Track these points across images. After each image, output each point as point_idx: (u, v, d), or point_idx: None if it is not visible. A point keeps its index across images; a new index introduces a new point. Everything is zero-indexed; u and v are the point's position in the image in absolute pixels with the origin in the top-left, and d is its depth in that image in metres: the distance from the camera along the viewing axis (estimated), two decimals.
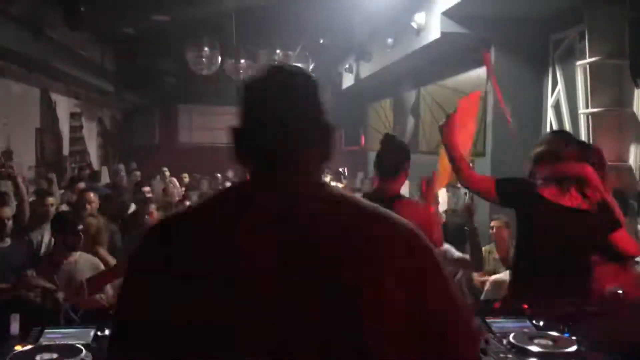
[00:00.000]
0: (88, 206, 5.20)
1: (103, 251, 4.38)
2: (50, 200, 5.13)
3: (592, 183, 2.97)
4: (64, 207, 5.69)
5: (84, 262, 3.75)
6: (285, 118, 1.15)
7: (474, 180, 3.26)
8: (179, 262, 1.05)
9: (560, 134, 3.42)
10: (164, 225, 1.16)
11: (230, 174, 11.91)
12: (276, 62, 1.25)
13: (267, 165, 1.16)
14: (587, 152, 3.24)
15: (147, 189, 6.45)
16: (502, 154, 5.84)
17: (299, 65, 1.05)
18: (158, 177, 10.75)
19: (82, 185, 7.59)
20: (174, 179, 10.24)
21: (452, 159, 3.24)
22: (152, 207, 5.76)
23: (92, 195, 5.47)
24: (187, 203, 6.01)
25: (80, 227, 3.81)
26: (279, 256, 1.03)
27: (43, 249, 4.49)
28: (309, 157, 1.17)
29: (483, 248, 5.00)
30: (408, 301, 1.03)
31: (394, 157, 3.11)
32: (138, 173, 10.48)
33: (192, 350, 1.01)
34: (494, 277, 4.60)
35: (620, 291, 2.41)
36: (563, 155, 3.01)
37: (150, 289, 1.06)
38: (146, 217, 5.52)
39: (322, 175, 1.24)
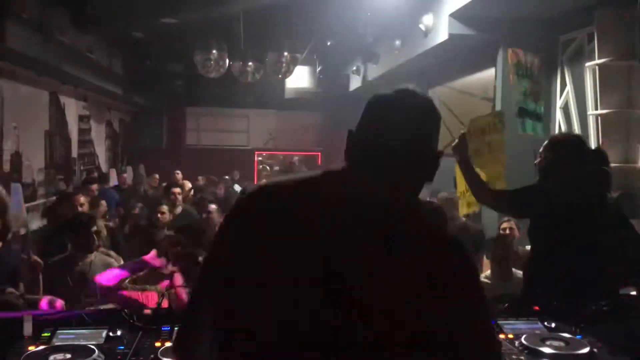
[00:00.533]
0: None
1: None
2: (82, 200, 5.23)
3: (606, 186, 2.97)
4: None
5: (99, 263, 3.78)
6: (399, 138, 1.27)
7: (491, 196, 3.29)
8: (264, 222, 1.23)
9: (576, 137, 3.40)
10: (264, 190, 1.33)
11: (237, 175, 11.93)
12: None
13: (365, 167, 1.27)
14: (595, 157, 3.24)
15: (177, 190, 6.55)
16: (512, 156, 5.81)
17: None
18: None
19: (95, 187, 7.64)
20: (187, 182, 10.27)
21: (468, 173, 3.29)
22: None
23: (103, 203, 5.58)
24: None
25: (95, 228, 3.84)
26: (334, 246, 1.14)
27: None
28: (407, 173, 1.29)
29: None
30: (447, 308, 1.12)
31: None
32: (157, 176, 10.50)
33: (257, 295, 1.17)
34: None
35: (634, 292, 2.40)
36: (575, 161, 3.02)
37: (239, 236, 1.25)
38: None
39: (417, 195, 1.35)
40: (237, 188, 10.03)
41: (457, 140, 3.40)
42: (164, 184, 7.98)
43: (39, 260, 3.38)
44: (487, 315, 1.23)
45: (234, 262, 1.22)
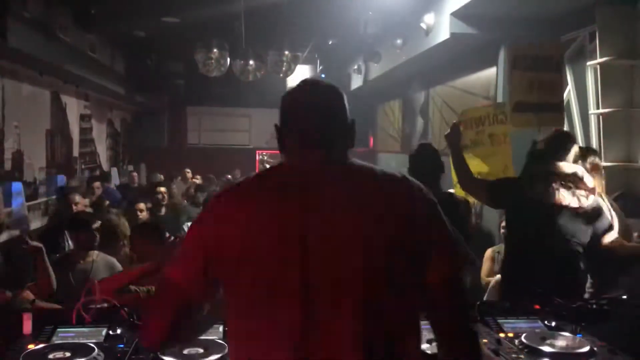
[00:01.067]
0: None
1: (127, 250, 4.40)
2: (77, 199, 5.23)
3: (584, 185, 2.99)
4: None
5: (101, 262, 3.78)
6: (314, 114, 1.52)
7: (473, 185, 3.38)
8: (228, 217, 1.42)
9: (560, 134, 3.44)
10: (228, 192, 1.55)
11: (238, 174, 11.92)
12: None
13: (299, 146, 1.52)
14: (585, 154, 3.27)
15: (163, 189, 6.55)
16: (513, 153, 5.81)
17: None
18: (179, 178, 10.83)
19: (97, 184, 7.66)
20: (195, 180, 10.29)
21: (457, 160, 3.41)
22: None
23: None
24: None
25: (96, 225, 3.84)
26: (304, 219, 1.36)
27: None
28: (333, 141, 1.50)
29: (492, 248, 5.00)
30: (415, 237, 1.40)
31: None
32: (161, 176, 10.51)
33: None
34: (498, 276, 4.55)
35: (624, 296, 2.41)
36: (559, 156, 3.05)
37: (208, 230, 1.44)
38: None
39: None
40: None
41: (449, 130, 3.49)
42: (149, 183, 8.00)
43: (38, 244, 3.38)
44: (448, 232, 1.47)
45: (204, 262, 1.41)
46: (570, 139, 3.35)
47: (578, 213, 2.97)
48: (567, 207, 2.96)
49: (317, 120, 1.50)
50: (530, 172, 3.16)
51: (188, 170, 10.90)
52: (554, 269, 2.85)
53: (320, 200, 1.37)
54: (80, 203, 5.46)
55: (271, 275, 1.33)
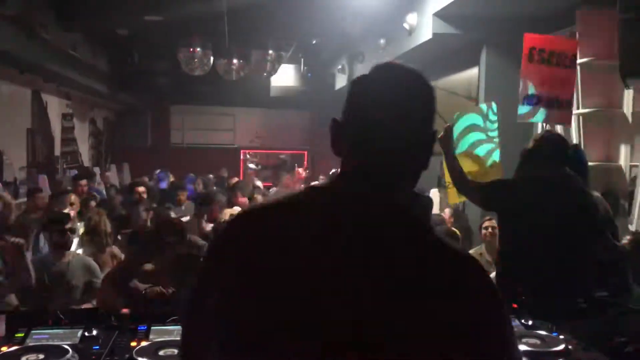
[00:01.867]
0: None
1: (112, 249, 4.36)
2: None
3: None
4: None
5: (77, 264, 3.74)
6: (391, 119, 1.08)
7: (468, 187, 3.38)
8: (250, 252, 1.05)
9: (550, 135, 3.45)
10: (247, 215, 1.18)
11: (224, 173, 11.86)
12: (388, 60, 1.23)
13: (360, 170, 1.09)
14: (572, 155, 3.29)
15: (141, 189, 6.49)
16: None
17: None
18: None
19: (84, 182, 7.59)
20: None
21: (450, 163, 3.44)
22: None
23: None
24: None
25: (69, 225, 3.80)
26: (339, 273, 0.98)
27: None
28: (406, 169, 1.11)
29: (474, 249, 5.02)
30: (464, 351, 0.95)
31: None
32: (171, 176, 10.48)
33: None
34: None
35: (605, 294, 2.44)
36: (554, 161, 3.06)
37: (223, 271, 1.07)
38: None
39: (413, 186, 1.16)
40: (259, 183, 9.94)
41: (442, 133, 3.49)
42: (129, 183, 7.96)
43: (20, 240, 3.35)
44: (517, 348, 1.07)
45: (220, 300, 1.05)
46: (565, 143, 3.36)
47: (568, 216, 2.97)
48: (558, 211, 2.96)
49: (385, 135, 1.07)
50: (522, 175, 3.16)
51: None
52: (549, 272, 2.83)
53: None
54: (75, 203, 5.39)
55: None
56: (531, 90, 4.45)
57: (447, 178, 4.20)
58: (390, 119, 1.07)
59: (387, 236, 1.01)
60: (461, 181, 3.41)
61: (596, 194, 3.63)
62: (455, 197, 4.34)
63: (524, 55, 4.57)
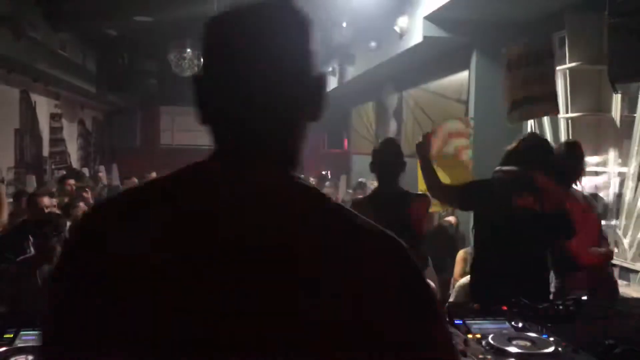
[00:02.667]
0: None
1: None
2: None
3: (545, 193, 3.06)
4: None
5: None
6: (259, 65, 0.87)
7: (442, 192, 3.43)
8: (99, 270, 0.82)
9: (530, 137, 3.49)
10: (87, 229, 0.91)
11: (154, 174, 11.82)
12: None
13: (230, 135, 0.90)
14: (555, 158, 3.32)
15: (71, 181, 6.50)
16: (484, 157, 5.87)
17: None
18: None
19: (72, 181, 7.54)
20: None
21: (426, 169, 3.45)
22: None
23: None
24: None
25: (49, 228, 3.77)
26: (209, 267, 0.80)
27: None
28: (290, 126, 0.92)
29: (464, 250, 5.05)
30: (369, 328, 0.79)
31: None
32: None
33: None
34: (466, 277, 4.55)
35: (584, 297, 2.46)
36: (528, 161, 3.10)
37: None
38: None
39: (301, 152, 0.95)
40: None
41: (420, 139, 3.54)
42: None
43: None
44: (442, 324, 0.88)
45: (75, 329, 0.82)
46: (544, 143, 3.39)
47: (544, 215, 3.02)
48: (533, 209, 3.01)
49: (258, 89, 0.87)
50: (499, 174, 3.20)
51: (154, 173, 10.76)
52: (519, 270, 2.89)
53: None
54: (49, 206, 5.30)
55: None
56: (514, 96, 4.53)
57: (420, 185, 4.23)
58: (257, 65, 0.86)
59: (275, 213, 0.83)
60: (437, 186, 3.44)
61: (584, 193, 3.68)
62: (439, 205, 4.38)
63: (504, 68, 4.65)
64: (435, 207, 4.41)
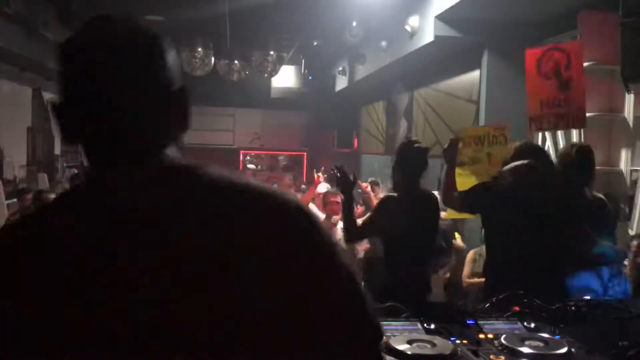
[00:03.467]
0: None
1: None
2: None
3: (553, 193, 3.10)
4: None
5: None
6: (110, 84, 0.89)
7: (452, 196, 3.46)
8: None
9: (525, 146, 3.48)
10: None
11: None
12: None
13: (97, 153, 0.92)
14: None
15: None
16: None
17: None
18: None
19: None
20: None
21: (449, 175, 3.53)
22: None
23: None
24: None
25: None
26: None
27: None
28: (153, 133, 0.92)
29: (474, 250, 5.03)
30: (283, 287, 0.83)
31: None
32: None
33: None
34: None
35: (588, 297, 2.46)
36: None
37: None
38: None
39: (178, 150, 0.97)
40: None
41: (448, 144, 3.57)
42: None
43: None
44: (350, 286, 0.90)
45: None
46: (543, 156, 3.41)
47: (555, 215, 3.02)
48: (544, 209, 3.00)
49: (107, 103, 0.89)
50: (505, 174, 3.22)
51: None
52: (532, 271, 2.89)
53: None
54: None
55: None
56: (539, 108, 4.45)
57: None
58: (109, 85, 0.89)
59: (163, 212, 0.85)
60: (452, 194, 3.48)
61: (599, 195, 3.65)
62: (453, 212, 4.35)
63: (529, 72, 4.56)
64: (450, 215, 4.41)
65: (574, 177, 3.40)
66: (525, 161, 3.13)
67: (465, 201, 3.42)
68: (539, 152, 3.38)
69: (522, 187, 3.05)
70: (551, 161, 3.43)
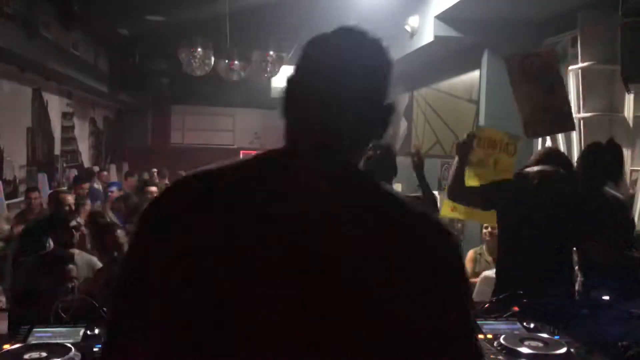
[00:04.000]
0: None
1: None
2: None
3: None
4: None
5: (81, 261, 3.76)
6: (348, 86, 1.03)
7: (462, 189, 3.42)
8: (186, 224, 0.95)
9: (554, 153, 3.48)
10: (184, 182, 1.07)
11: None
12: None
13: (308, 135, 1.04)
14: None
15: (153, 189, 6.45)
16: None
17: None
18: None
19: (86, 185, 7.58)
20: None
21: (459, 170, 3.45)
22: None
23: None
24: None
25: (74, 223, 3.81)
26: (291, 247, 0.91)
27: None
28: (358, 139, 1.07)
29: (474, 249, 5.04)
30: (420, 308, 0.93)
31: None
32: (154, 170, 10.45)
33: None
34: (485, 273, 4.55)
35: (605, 297, 2.45)
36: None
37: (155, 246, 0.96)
38: None
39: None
40: None
41: (463, 139, 3.53)
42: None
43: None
44: (469, 316, 1.02)
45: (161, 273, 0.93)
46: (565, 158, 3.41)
47: (569, 212, 3.01)
48: (558, 206, 3.00)
49: (346, 95, 1.03)
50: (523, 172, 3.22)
51: (155, 170, 10.81)
52: (543, 270, 2.87)
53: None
54: (72, 203, 5.29)
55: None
56: (526, 116, 4.46)
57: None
58: (346, 86, 1.02)
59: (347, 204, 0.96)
60: (462, 187, 3.44)
61: (615, 193, 3.57)
62: (447, 210, 4.33)
63: (513, 78, 4.56)
64: (458, 215, 4.39)
65: (598, 177, 3.32)
66: (552, 167, 3.12)
67: (482, 195, 3.37)
68: (563, 158, 3.38)
69: (548, 193, 3.04)
70: (572, 167, 3.36)
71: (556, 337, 2.09)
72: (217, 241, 0.93)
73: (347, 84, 1.02)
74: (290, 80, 1.07)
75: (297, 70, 1.07)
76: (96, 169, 11.10)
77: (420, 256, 0.95)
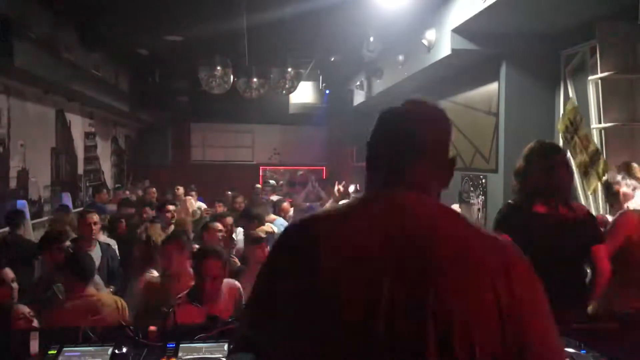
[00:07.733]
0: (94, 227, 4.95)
1: None
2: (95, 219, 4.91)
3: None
4: None
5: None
6: (423, 145, 1.29)
7: None
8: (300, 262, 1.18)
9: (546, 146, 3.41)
10: (302, 225, 1.28)
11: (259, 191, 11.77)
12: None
13: (389, 181, 1.28)
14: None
15: (172, 207, 6.45)
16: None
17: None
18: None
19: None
20: (190, 198, 10.06)
21: None
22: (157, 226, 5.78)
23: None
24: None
25: (67, 243, 3.83)
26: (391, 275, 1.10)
27: None
28: (433, 187, 1.30)
29: None
30: (504, 329, 1.08)
31: None
32: (153, 190, 10.44)
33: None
34: None
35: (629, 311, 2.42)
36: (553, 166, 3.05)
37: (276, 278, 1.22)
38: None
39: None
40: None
41: None
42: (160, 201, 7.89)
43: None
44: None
45: (279, 298, 1.19)
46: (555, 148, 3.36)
47: (576, 222, 2.97)
48: (567, 220, 2.96)
49: (402, 154, 1.30)
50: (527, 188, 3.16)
51: (179, 187, 10.75)
52: (566, 281, 2.84)
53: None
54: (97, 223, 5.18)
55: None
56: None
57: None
58: (422, 145, 1.29)
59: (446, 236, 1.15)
60: None
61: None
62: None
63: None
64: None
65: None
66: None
67: (498, 227, 3.29)
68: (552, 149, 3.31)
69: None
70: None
71: (582, 352, 2.08)
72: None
73: (430, 145, 1.30)
74: (376, 141, 1.37)
75: (375, 135, 1.37)
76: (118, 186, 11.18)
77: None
